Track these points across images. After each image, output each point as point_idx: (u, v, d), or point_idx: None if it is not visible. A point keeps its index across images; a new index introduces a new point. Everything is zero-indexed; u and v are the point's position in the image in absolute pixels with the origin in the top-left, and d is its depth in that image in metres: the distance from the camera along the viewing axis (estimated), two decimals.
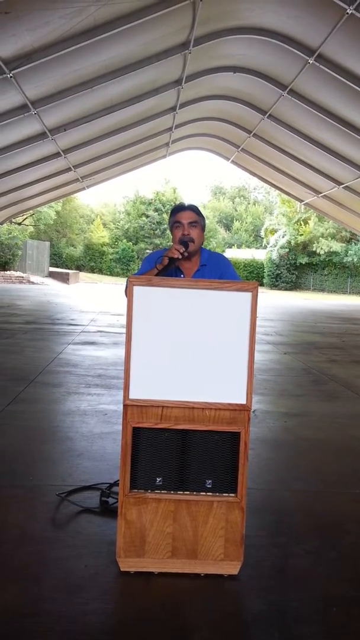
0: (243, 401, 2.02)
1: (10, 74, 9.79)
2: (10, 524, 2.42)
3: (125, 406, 2.01)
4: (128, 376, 2.00)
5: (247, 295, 1.99)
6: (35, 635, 1.72)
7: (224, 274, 2.46)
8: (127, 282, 2.03)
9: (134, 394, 2.00)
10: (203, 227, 2.49)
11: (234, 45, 11.60)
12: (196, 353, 2.01)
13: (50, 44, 9.42)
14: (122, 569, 2.06)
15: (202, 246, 2.57)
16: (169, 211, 2.55)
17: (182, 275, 2.47)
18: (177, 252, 2.30)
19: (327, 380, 6.16)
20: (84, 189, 22.42)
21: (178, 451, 2.04)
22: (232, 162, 20.62)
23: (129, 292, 1.98)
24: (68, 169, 17.79)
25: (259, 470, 3.25)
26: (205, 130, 18.80)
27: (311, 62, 10.92)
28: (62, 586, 1.97)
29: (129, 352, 1.99)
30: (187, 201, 2.60)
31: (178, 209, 2.47)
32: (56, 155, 15.69)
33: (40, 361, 6.35)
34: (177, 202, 2.75)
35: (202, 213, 2.51)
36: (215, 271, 2.48)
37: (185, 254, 2.34)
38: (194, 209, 2.46)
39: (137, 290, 1.98)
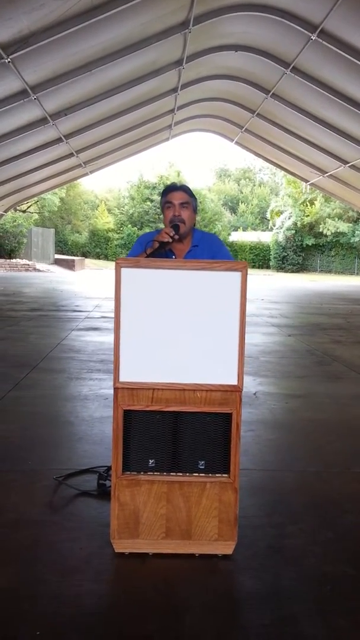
0: (234, 382, 2.00)
1: (8, 59, 9.69)
2: (7, 508, 2.44)
3: (115, 389, 2.00)
4: (118, 359, 1.99)
5: (237, 275, 1.96)
6: (30, 617, 1.73)
7: (216, 254, 2.43)
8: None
9: (124, 377, 1.99)
10: (195, 208, 2.45)
11: (235, 23, 11.38)
12: (186, 334, 1.99)
13: (48, 26, 9.29)
14: (116, 551, 2.07)
15: (196, 227, 2.54)
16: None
17: (173, 257, 2.45)
18: (168, 235, 2.27)
19: (330, 361, 6.13)
20: (87, 174, 22.29)
21: (170, 433, 2.04)
22: (236, 143, 20.39)
23: (116, 274, 1.95)
24: (70, 155, 17.68)
25: (258, 452, 3.25)
26: (208, 111, 18.56)
27: (314, 38, 10.69)
28: (57, 568, 1.98)
29: (118, 334, 1.98)
30: (191, 184, 2.55)
31: (170, 189, 2.43)
32: (58, 140, 15.58)
33: (43, 347, 6.37)
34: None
35: (194, 194, 2.48)
36: (208, 252, 2.45)
37: (176, 237, 2.31)
38: (185, 189, 2.42)
39: (125, 272, 1.96)
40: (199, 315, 1.98)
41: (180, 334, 1.99)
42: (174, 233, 2.28)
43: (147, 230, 40.53)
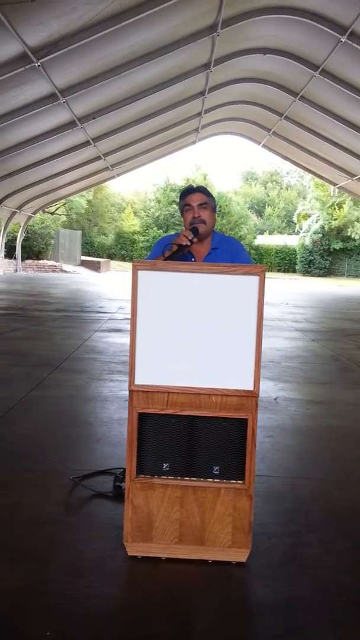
0: (250, 387, 1.97)
1: (38, 63, 9.85)
2: (24, 506, 2.46)
3: (131, 392, 2.00)
4: (133, 362, 1.98)
5: (254, 279, 1.94)
6: (40, 616, 1.73)
7: (235, 258, 2.41)
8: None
9: (140, 380, 1.99)
10: (214, 208, 2.44)
11: (263, 26, 11.35)
12: (202, 338, 1.98)
13: (77, 30, 9.42)
14: (129, 554, 2.07)
15: (214, 229, 2.52)
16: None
17: (193, 259, 2.44)
18: (186, 239, 2.26)
19: (355, 367, 6.03)
20: (114, 177, 22.52)
21: (185, 437, 2.02)
22: (264, 146, 20.29)
23: (133, 277, 1.95)
24: (98, 158, 17.88)
25: (277, 458, 3.21)
26: (235, 114, 18.54)
27: (343, 40, 10.58)
28: (69, 569, 1.98)
29: (134, 337, 1.97)
30: (217, 187, 2.54)
31: (187, 191, 2.42)
32: (86, 143, 15.77)
33: (66, 348, 6.43)
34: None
35: (212, 194, 2.46)
36: (228, 254, 2.43)
37: (194, 240, 2.30)
38: (203, 190, 2.41)
39: (142, 274, 1.95)
40: (216, 319, 1.97)
41: (196, 338, 1.98)
42: (192, 236, 2.27)
43: (172, 233, 40.60)
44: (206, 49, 12.04)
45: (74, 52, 9.94)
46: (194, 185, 2.46)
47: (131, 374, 1.99)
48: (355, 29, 10.25)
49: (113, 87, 12.26)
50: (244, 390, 1.98)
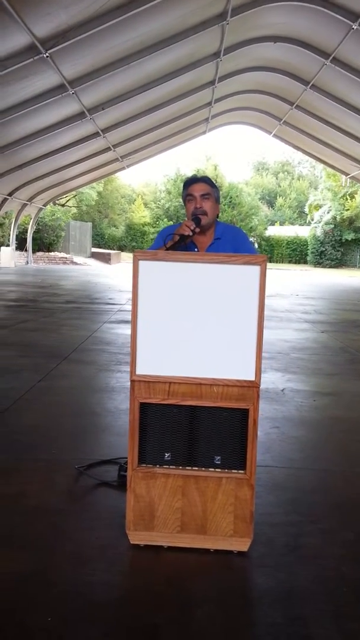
0: (252, 378, 1.97)
1: (47, 54, 9.82)
2: (29, 495, 2.49)
3: (132, 382, 2.01)
4: (135, 352, 1.99)
5: (256, 269, 1.93)
6: (41, 603, 1.76)
7: (239, 247, 2.40)
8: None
9: (141, 370, 1.99)
10: (217, 199, 2.42)
11: (273, 14, 11.20)
12: (204, 328, 1.97)
13: (85, 21, 9.36)
14: (131, 542, 2.09)
15: (220, 219, 2.51)
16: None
17: (196, 249, 2.43)
18: (188, 229, 2.25)
19: None
20: (124, 168, 22.47)
21: (186, 427, 2.03)
22: (275, 135, 20.10)
23: (134, 267, 1.95)
24: (108, 149, 17.83)
25: (281, 449, 3.21)
26: (246, 103, 18.37)
27: (355, 27, 10.42)
28: (72, 557, 2.01)
29: (135, 327, 1.98)
30: (228, 178, 2.52)
31: (190, 181, 2.41)
32: (95, 134, 15.73)
33: (75, 339, 6.46)
34: (216, 180, 2.62)
35: (216, 184, 2.45)
36: (231, 244, 2.42)
37: (197, 230, 2.28)
38: (206, 180, 2.39)
39: (143, 264, 1.95)
40: (217, 309, 1.96)
41: (197, 328, 1.98)
42: (194, 226, 2.26)
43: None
44: (216, 37, 11.91)
45: (83, 43, 9.89)
46: (198, 175, 2.44)
47: (132, 364, 2.00)
48: None
49: (122, 78, 12.19)
50: (245, 381, 1.98)
